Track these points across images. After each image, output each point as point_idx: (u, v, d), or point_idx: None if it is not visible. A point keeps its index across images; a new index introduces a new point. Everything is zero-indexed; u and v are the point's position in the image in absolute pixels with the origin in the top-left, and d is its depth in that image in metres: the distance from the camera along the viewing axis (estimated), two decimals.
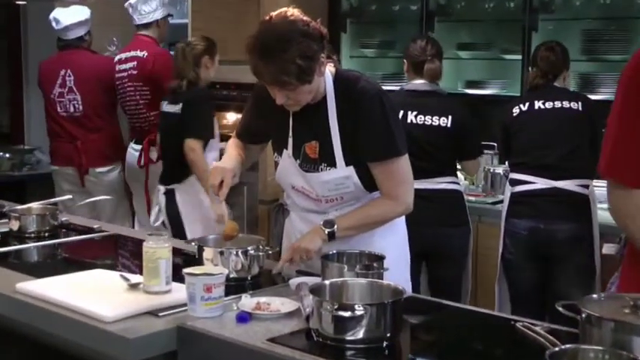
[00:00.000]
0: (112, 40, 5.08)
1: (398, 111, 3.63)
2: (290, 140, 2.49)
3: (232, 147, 2.68)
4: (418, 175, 3.60)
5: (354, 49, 5.06)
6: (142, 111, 4.68)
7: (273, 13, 2.34)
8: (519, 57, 4.27)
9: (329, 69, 2.44)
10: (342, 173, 2.43)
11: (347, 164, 2.43)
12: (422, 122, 3.64)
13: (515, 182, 3.66)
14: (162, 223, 4.15)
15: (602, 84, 4.06)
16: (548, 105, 3.62)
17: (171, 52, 4.53)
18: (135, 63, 4.62)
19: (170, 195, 4.12)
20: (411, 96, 3.70)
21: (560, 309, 1.83)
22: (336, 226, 2.40)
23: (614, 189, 1.95)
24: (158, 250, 2.16)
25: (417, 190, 3.61)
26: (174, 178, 4.11)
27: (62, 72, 4.80)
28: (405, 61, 3.80)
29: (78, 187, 4.84)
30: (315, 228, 2.43)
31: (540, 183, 3.57)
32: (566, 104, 3.60)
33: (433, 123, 3.63)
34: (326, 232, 2.39)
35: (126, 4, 4.77)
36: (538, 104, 3.63)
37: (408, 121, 3.64)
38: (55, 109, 4.85)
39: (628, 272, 2.04)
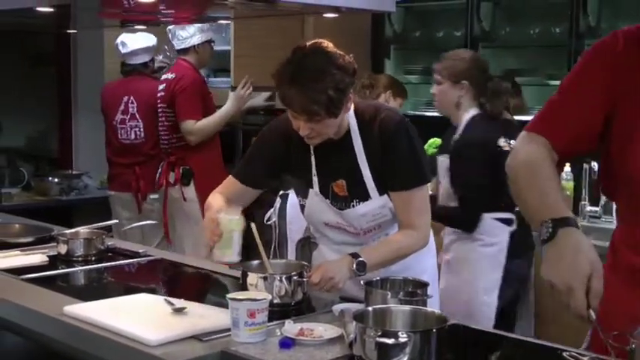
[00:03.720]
0: (164, 49, 5.10)
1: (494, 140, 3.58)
2: (315, 179, 2.47)
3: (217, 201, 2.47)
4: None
5: (398, 75, 5.05)
6: (165, 132, 4.66)
7: (308, 43, 2.36)
8: None
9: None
10: (378, 203, 2.43)
11: (380, 194, 2.43)
12: None
13: None
14: (274, 223, 4.18)
15: None
16: None
17: (208, 78, 4.56)
18: (164, 85, 4.62)
19: (284, 198, 4.17)
20: (507, 124, 3.73)
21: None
22: (364, 262, 2.34)
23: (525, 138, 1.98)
24: (232, 221, 2.18)
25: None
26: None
27: (125, 98, 4.81)
28: None
29: (133, 213, 4.83)
30: (344, 259, 2.38)
31: None
32: None
33: None
34: (354, 267, 2.33)
35: (167, 29, 4.82)
36: None
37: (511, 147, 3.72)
38: (116, 136, 4.85)
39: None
